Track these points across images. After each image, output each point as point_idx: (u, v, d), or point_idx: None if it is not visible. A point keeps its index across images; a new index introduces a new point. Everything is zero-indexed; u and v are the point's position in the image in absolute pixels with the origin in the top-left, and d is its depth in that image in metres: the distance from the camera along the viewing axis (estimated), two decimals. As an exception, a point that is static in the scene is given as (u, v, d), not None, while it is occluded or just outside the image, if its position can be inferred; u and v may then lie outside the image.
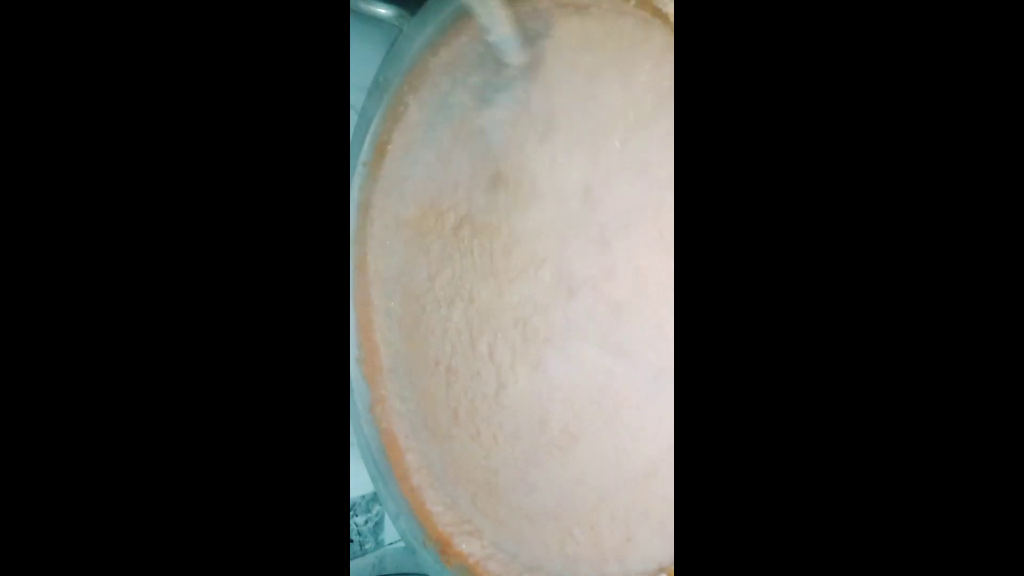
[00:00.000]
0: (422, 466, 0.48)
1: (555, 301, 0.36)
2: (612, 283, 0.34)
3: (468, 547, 0.42)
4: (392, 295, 0.46)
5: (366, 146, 0.45)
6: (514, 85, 0.36)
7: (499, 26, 0.33)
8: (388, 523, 0.63)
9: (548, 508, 0.38)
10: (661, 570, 0.33)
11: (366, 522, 0.62)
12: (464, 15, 0.37)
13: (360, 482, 0.59)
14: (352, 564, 0.60)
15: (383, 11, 0.40)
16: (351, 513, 0.61)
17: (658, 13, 0.31)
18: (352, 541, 0.61)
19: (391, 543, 0.64)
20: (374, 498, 0.61)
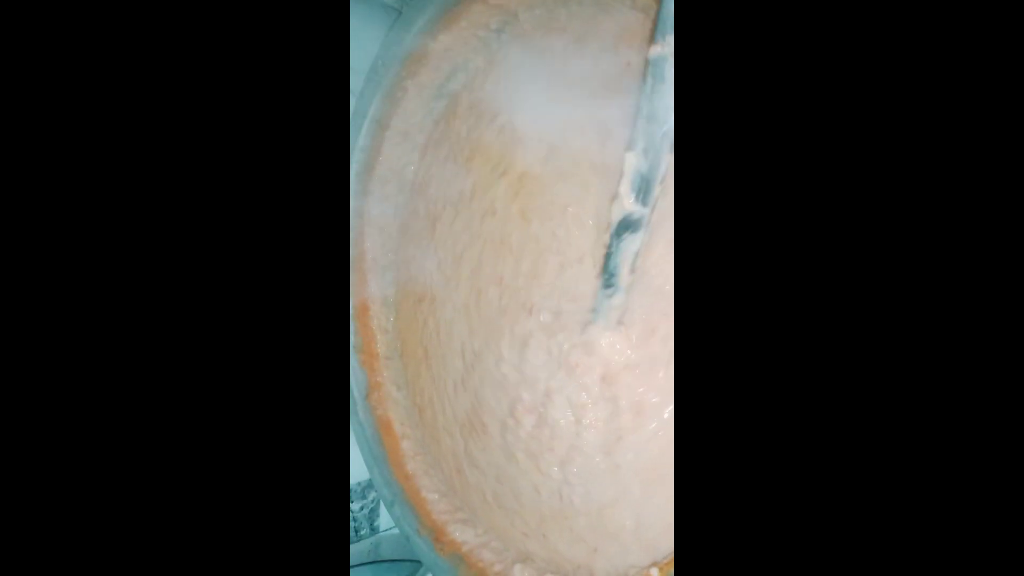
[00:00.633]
0: (417, 453, 0.48)
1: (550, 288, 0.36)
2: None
3: (462, 535, 0.42)
4: (388, 283, 0.46)
5: (364, 132, 0.45)
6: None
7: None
8: (384, 510, 0.63)
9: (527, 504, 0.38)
10: (653, 564, 0.33)
11: (362, 508, 0.62)
12: (463, 0, 0.37)
13: (356, 469, 0.59)
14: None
15: (383, -6, 0.39)
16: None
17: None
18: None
19: (386, 529, 0.64)
20: (370, 485, 0.61)
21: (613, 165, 0.33)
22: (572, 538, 0.36)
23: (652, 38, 0.28)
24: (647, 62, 0.28)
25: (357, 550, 0.61)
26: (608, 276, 0.34)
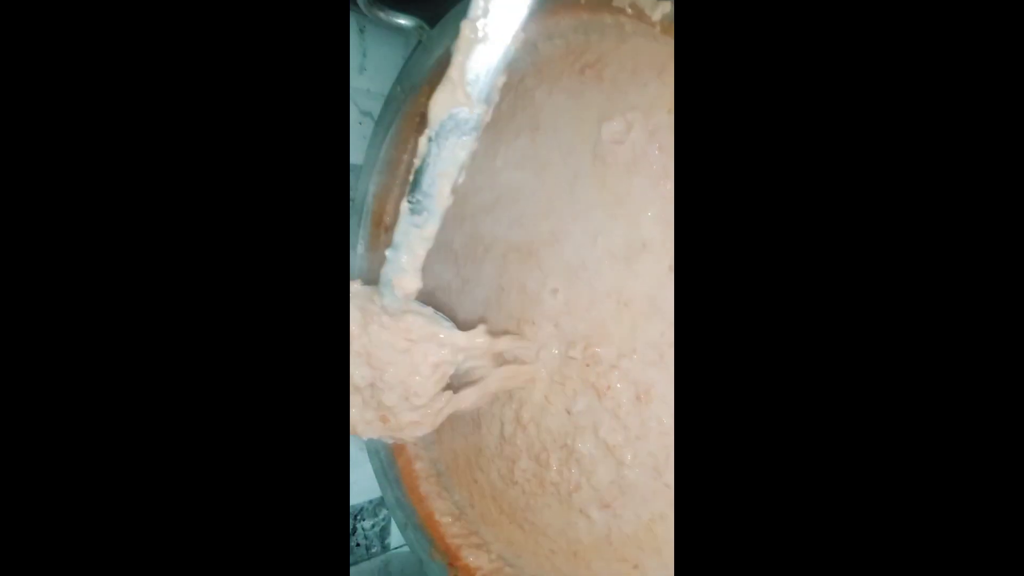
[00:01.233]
0: (431, 474, 0.48)
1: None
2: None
3: (475, 560, 0.42)
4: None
5: (382, 154, 0.45)
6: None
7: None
8: (394, 527, 0.63)
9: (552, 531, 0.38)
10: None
11: (373, 526, 0.62)
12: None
13: (367, 487, 0.59)
14: (358, 568, 0.60)
15: (403, 21, 0.40)
16: (358, 518, 0.61)
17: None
18: (359, 545, 0.61)
19: (396, 547, 0.64)
20: (381, 503, 0.61)
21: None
22: (612, 556, 0.36)
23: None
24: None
25: (368, 568, 0.61)
26: (417, 196, 0.29)
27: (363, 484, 0.59)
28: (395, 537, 0.64)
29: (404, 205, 0.30)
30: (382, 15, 0.39)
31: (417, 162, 0.28)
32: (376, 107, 0.46)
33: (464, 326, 0.36)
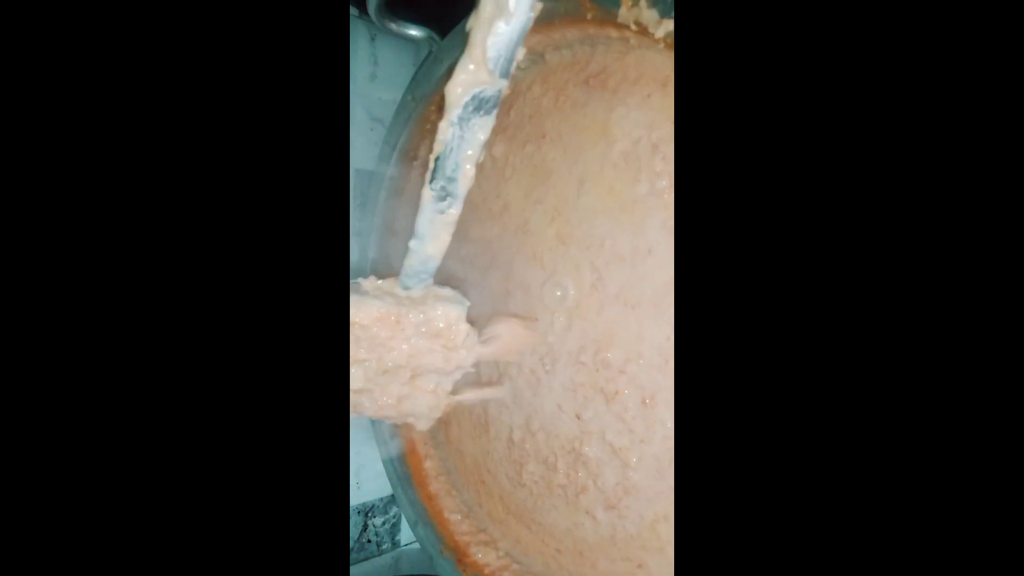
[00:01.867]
0: (440, 473, 0.49)
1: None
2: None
3: (484, 557, 0.43)
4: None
5: (393, 161, 0.46)
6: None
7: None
8: (404, 524, 0.64)
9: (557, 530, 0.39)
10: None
11: (383, 523, 0.63)
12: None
13: (379, 485, 0.60)
14: (369, 564, 0.62)
15: (414, 32, 0.40)
16: (370, 515, 0.62)
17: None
18: (370, 542, 0.62)
19: (407, 544, 0.65)
20: (392, 500, 0.63)
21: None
22: (616, 556, 0.37)
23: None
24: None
25: (379, 564, 0.63)
26: (440, 182, 0.28)
27: (374, 482, 0.60)
28: (405, 534, 0.65)
29: (426, 194, 0.30)
30: (393, 26, 0.40)
31: (438, 148, 0.28)
32: (387, 114, 0.47)
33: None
